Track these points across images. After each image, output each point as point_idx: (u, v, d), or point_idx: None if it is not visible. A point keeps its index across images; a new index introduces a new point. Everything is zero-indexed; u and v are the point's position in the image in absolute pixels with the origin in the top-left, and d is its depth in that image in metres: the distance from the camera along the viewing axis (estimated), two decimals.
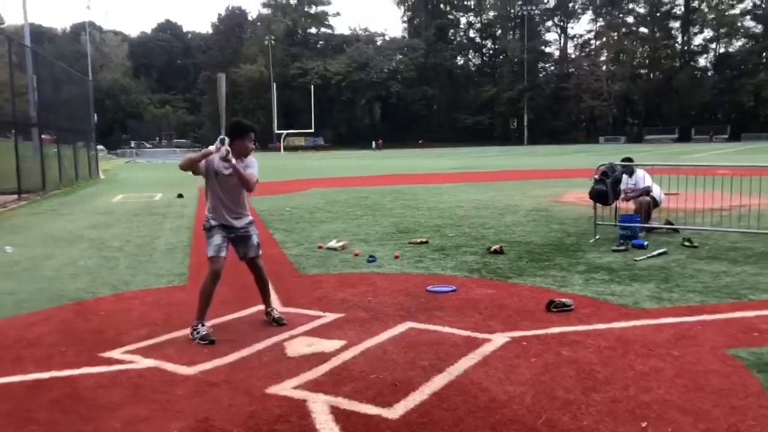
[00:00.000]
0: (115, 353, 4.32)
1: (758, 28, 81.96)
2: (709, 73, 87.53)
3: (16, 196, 15.92)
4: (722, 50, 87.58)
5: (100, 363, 4.15)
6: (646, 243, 7.74)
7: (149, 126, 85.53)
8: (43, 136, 20.21)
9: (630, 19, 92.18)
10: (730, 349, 4.12)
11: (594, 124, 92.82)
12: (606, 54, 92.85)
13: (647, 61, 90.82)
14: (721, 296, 5.48)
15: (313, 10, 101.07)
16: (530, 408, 3.30)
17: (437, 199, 14.36)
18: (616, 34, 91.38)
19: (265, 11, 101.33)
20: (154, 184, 21.74)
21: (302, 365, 3.99)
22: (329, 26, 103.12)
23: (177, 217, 12.27)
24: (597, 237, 8.35)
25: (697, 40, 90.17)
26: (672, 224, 8.95)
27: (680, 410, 3.24)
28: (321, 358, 4.11)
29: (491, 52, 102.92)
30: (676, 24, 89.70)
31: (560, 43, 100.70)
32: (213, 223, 4.73)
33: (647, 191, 8.78)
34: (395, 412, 3.29)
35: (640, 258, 7.07)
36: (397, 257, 7.49)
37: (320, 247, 8.27)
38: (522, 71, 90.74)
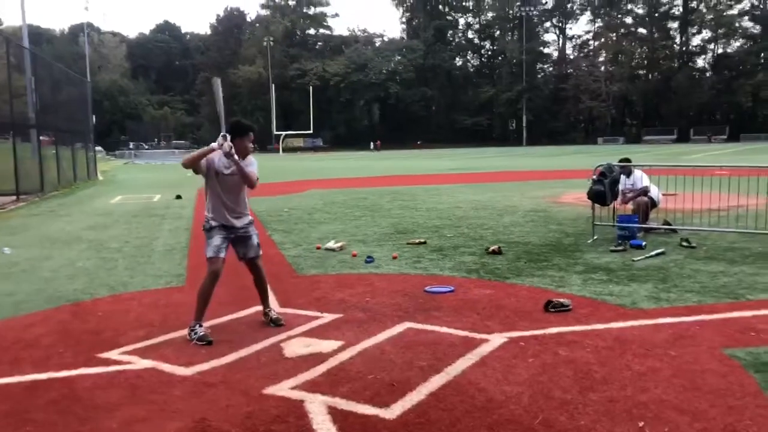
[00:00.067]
0: (113, 354, 4.32)
1: (756, 29, 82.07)
2: (708, 74, 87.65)
3: (14, 198, 15.92)
4: (720, 51, 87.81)
5: (98, 364, 4.15)
6: (644, 243, 7.75)
7: (148, 127, 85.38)
8: (41, 138, 20.21)
9: (628, 20, 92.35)
10: (727, 349, 4.12)
11: (592, 124, 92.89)
12: (604, 55, 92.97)
13: (646, 61, 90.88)
14: (718, 296, 5.49)
15: (311, 11, 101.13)
16: (527, 408, 3.30)
17: (436, 200, 14.37)
18: (614, 34, 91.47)
19: (264, 12, 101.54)
20: (152, 186, 21.71)
21: (300, 366, 3.99)
22: (328, 27, 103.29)
23: (175, 218, 12.26)
24: (595, 237, 8.36)
25: (696, 41, 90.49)
26: (670, 224, 8.96)
27: (677, 410, 3.24)
28: (318, 358, 4.11)
29: (490, 53, 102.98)
30: (675, 25, 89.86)
31: (559, 44, 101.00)
32: (213, 224, 4.73)
33: (645, 191, 8.79)
34: (392, 412, 3.29)
35: (638, 258, 7.08)
36: (395, 258, 7.49)
37: (318, 248, 8.27)
38: (520, 72, 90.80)
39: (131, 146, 70.37)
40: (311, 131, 77.69)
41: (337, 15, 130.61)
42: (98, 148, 43.88)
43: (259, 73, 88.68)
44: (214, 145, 4.57)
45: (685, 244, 7.82)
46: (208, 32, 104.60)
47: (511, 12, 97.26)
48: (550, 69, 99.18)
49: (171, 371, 3.97)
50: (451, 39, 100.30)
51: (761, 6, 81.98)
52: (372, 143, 76.71)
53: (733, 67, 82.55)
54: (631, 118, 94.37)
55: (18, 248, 8.97)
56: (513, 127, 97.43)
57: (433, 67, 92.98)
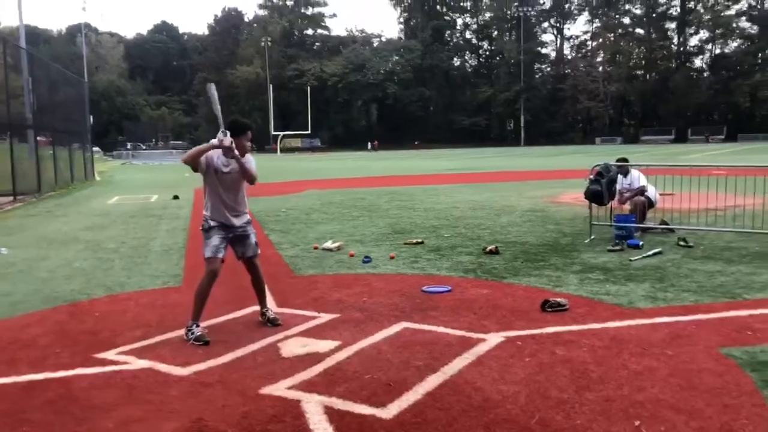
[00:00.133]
0: (110, 354, 4.32)
1: (754, 29, 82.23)
2: (705, 74, 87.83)
3: (11, 198, 15.91)
4: (718, 51, 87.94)
5: (95, 364, 4.14)
6: (641, 243, 7.76)
7: (145, 128, 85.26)
8: (38, 138, 20.17)
9: (626, 20, 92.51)
10: (723, 348, 4.13)
11: (590, 125, 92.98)
12: (602, 55, 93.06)
13: (643, 62, 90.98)
14: (715, 295, 5.50)
15: (309, 11, 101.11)
16: (524, 407, 3.30)
17: (433, 200, 14.38)
18: (612, 35, 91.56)
19: (262, 13, 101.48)
20: (149, 186, 21.69)
21: (297, 365, 3.99)
22: (326, 28, 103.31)
23: (173, 218, 12.25)
24: (592, 237, 8.37)
25: (693, 41, 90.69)
26: (667, 224, 8.97)
27: (673, 409, 3.25)
28: (315, 358, 4.11)
29: (488, 53, 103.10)
30: (672, 25, 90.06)
31: (556, 44, 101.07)
32: (212, 223, 4.73)
33: (642, 191, 8.80)
34: (389, 412, 3.29)
35: (635, 258, 7.09)
36: (392, 258, 7.49)
37: (316, 248, 8.27)
38: (518, 72, 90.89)
39: (129, 147, 70.22)
40: (309, 131, 77.71)
41: (334, 15, 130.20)
42: (95, 148, 43.83)
43: (256, 73, 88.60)
44: (214, 141, 4.58)
45: (682, 243, 7.84)
46: (206, 32, 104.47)
47: (508, 12, 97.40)
48: (548, 69, 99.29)
49: (168, 371, 3.97)
50: (448, 39, 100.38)
51: (758, 6, 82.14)
52: (369, 143, 76.72)
53: (731, 67, 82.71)
54: (628, 119, 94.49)
55: (15, 249, 8.95)
56: (511, 128, 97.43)
57: (431, 68, 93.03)
